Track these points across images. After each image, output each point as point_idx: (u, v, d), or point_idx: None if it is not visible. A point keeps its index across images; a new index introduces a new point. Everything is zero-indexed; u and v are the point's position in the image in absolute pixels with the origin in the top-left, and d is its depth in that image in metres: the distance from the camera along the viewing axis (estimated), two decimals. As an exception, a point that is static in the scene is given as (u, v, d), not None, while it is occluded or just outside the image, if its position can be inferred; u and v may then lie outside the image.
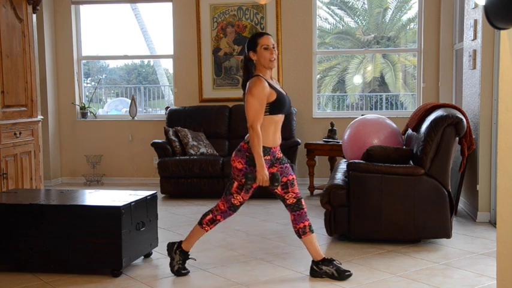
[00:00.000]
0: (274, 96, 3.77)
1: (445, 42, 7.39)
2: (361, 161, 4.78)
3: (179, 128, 7.32)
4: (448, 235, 4.65)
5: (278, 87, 3.87)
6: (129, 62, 13.13)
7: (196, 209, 6.27)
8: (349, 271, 3.92)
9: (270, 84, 3.78)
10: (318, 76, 12.18)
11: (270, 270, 4.13)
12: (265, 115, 3.77)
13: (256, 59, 3.81)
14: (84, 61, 8.81)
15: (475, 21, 5.60)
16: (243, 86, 3.87)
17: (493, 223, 5.28)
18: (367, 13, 14.18)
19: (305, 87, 7.79)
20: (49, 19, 8.05)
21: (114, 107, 10.47)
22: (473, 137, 5.42)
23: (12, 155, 5.39)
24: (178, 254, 4.03)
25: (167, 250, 4.10)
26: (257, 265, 4.26)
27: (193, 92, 8.03)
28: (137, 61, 13.76)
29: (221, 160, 6.91)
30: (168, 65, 12.29)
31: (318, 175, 7.46)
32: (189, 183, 6.91)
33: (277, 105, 3.79)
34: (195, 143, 7.20)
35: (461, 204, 6.06)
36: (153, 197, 4.47)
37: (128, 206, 4.06)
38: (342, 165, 5.64)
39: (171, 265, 4.05)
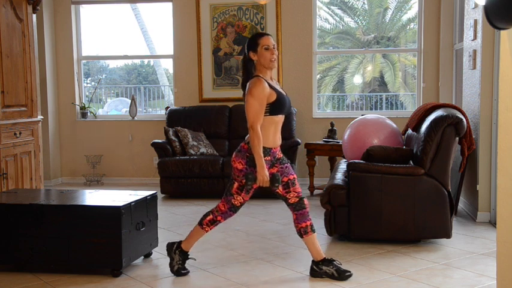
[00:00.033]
0: (274, 97, 3.77)
1: (445, 42, 7.39)
2: (361, 161, 4.78)
3: (179, 128, 7.32)
4: (448, 235, 4.65)
5: (278, 87, 3.87)
6: (129, 62, 13.13)
7: (196, 209, 6.27)
8: (349, 271, 3.92)
9: (270, 85, 3.78)
10: (318, 76, 12.18)
11: (270, 270, 4.13)
12: (265, 116, 3.77)
13: (257, 59, 3.81)
14: (84, 61, 8.81)
15: (475, 21, 5.60)
16: (243, 87, 3.88)
17: (493, 223, 5.28)
18: (367, 13, 14.19)
19: (305, 87, 7.79)
20: (49, 19, 8.05)
21: (114, 107, 10.47)
22: (473, 137, 5.42)
23: (12, 155, 5.39)
24: (178, 254, 4.03)
25: (167, 250, 4.10)
26: (257, 265, 4.26)
27: (193, 92, 8.03)
28: (137, 61, 13.76)
29: (221, 160, 6.91)
30: (168, 65, 12.29)
31: (318, 175, 7.46)
32: (189, 183, 6.91)
33: (277, 106, 3.79)
34: (195, 143, 7.20)
35: (461, 204, 6.06)
36: (153, 197, 4.47)
37: (128, 206, 4.06)
38: (342, 165, 5.64)
39: (171, 265, 4.05)
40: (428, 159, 4.60)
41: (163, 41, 10.70)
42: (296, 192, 3.91)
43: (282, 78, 7.74)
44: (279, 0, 7.68)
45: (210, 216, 3.98)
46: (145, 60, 13.96)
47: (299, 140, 7.14)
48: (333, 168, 6.86)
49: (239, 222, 5.52)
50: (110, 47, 10.35)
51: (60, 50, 8.22)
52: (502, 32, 2.81)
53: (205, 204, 6.51)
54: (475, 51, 5.63)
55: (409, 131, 5.39)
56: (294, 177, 3.94)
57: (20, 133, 5.51)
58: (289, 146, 6.83)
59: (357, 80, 14.06)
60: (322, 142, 7.10)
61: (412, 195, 4.61)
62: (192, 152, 7.10)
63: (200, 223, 4.01)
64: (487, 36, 5.33)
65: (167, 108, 7.88)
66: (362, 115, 5.83)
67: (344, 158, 5.85)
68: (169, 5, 8.06)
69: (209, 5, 7.83)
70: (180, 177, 6.91)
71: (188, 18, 7.92)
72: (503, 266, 2.90)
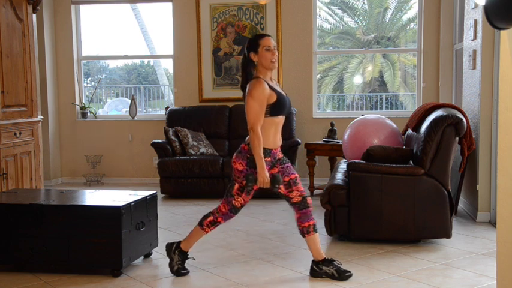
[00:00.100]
0: (274, 98, 3.77)
1: (445, 42, 7.39)
2: (361, 161, 4.78)
3: (179, 128, 7.32)
4: (448, 235, 4.65)
5: (278, 88, 3.87)
6: (129, 62, 13.13)
7: (196, 209, 6.27)
8: (349, 271, 3.92)
9: (270, 86, 3.78)
10: (318, 76, 12.18)
11: (270, 270, 4.13)
12: (265, 117, 3.76)
13: (257, 60, 3.81)
14: (84, 61, 8.81)
15: (475, 21, 5.60)
16: (242, 88, 3.87)
17: (493, 223, 5.28)
18: (367, 13, 14.18)
19: (305, 87, 7.79)
20: (49, 19, 8.05)
21: (114, 107, 10.47)
22: (473, 137, 5.42)
23: (12, 155, 5.39)
24: (177, 254, 4.03)
25: (166, 251, 4.10)
26: (257, 265, 4.26)
27: (193, 92, 8.03)
28: (137, 61, 13.76)
29: (221, 160, 6.91)
30: (168, 65, 12.29)
31: (318, 175, 7.46)
32: (189, 183, 6.91)
33: (277, 107, 3.79)
34: (195, 143, 7.20)
35: (461, 204, 6.06)
36: (153, 197, 4.47)
37: (128, 206, 4.06)
38: (342, 165, 5.64)
39: (171, 265, 4.05)
40: (428, 159, 4.60)
41: (163, 41, 10.70)
42: (299, 191, 3.91)
43: (282, 78, 7.74)
44: (279, 0, 7.68)
45: (211, 218, 3.98)
46: (145, 60, 13.96)
47: (299, 140, 7.14)
48: (333, 168, 6.86)
49: (239, 222, 5.52)
50: (110, 47, 10.35)
51: (60, 50, 8.22)
52: (502, 32, 2.81)
53: (205, 204, 6.51)
54: (475, 51, 5.63)
55: (409, 131, 5.39)
56: (296, 177, 3.94)
57: (20, 133, 5.51)
58: (289, 146, 6.83)
59: (357, 80, 14.06)
60: (322, 142, 7.09)
61: (412, 195, 4.61)
62: (192, 152, 7.10)
63: (200, 224, 4.01)
64: (487, 36, 5.33)
65: (167, 108, 7.88)
66: (362, 115, 5.83)
67: (344, 158, 5.85)
68: (169, 5, 8.06)
69: (209, 5, 7.83)
70: (180, 177, 6.91)
71: (188, 18, 7.92)
72: (503, 266, 2.90)
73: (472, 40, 5.71)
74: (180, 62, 8.06)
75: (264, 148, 3.76)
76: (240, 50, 7.80)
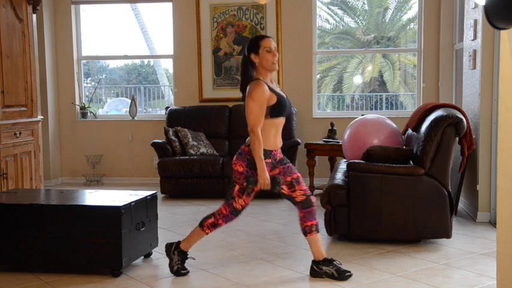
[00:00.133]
0: (274, 100, 3.77)
1: (445, 42, 7.39)
2: (361, 161, 4.78)
3: (179, 128, 7.32)
4: (448, 235, 4.65)
5: (278, 90, 3.87)
6: (129, 62, 13.13)
7: (196, 209, 6.28)
8: (349, 271, 3.92)
9: (270, 88, 3.77)
10: (318, 76, 12.18)
11: (270, 270, 4.13)
12: (265, 118, 3.76)
13: (258, 62, 3.80)
14: (84, 61, 8.81)
15: (475, 21, 5.60)
16: (242, 89, 3.86)
17: (493, 223, 5.28)
18: (367, 13, 14.18)
19: (305, 87, 7.79)
20: (49, 19, 8.05)
21: (114, 107, 10.47)
22: (473, 137, 5.42)
23: (12, 155, 5.39)
24: (177, 255, 4.03)
25: (165, 251, 4.09)
26: (257, 265, 4.26)
27: (193, 92, 8.03)
28: (137, 61, 13.75)
29: (221, 160, 6.91)
30: (168, 65, 12.29)
31: (318, 175, 7.46)
32: (189, 183, 6.91)
33: (277, 108, 3.79)
34: (195, 143, 7.20)
35: (461, 204, 6.06)
36: (153, 197, 4.47)
37: (128, 206, 4.06)
38: (342, 165, 5.64)
39: (170, 265, 4.05)
40: (428, 159, 4.60)
41: (163, 41, 10.69)
42: (302, 190, 3.90)
43: (282, 79, 7.74)
44: (279, 0, 7.68)
45: (212, 219, 3.97)
46: (145, 60, 13.95)
47: (299, 140, 7.13)
48: (333, 168, 6.86)
49: (239, 222, 5.50)
50: (110, 47, 10.35)
51: (60, 50, 8.22)
52: (502, 32, 2.81)
53: (205, 204, 6.51)
54: (475, 51, 5.63)
55: (409, 131, 5.39)
56: (298, 176, 3.93)
57: (20, 133, 5.51)
58: (289, 146, 6.83)
59: (357, 80, 14.06)
60: (322, 142, 7.09)
61: (412, 195, 4.61)
62: (192, 152, 7.10)
63: (201, 225, 4.00)
64: (487, 36, 5.33)
65: (167, 108, 7.88)
66: (362, 115, 5.83)
67: (344, 158, 5.85)
68: (169, 5, 8.06)
69: (209, 5, 7.83)
70: (180, 177, 6.91)
71: (188, 18, 7.92)
72: (503, 266, 2.90)
73: (472, 40, 5.71)
74: (180, 62, 8.06)
75: (265, 150, 3.76)
76: (240, 50, 7.80)
